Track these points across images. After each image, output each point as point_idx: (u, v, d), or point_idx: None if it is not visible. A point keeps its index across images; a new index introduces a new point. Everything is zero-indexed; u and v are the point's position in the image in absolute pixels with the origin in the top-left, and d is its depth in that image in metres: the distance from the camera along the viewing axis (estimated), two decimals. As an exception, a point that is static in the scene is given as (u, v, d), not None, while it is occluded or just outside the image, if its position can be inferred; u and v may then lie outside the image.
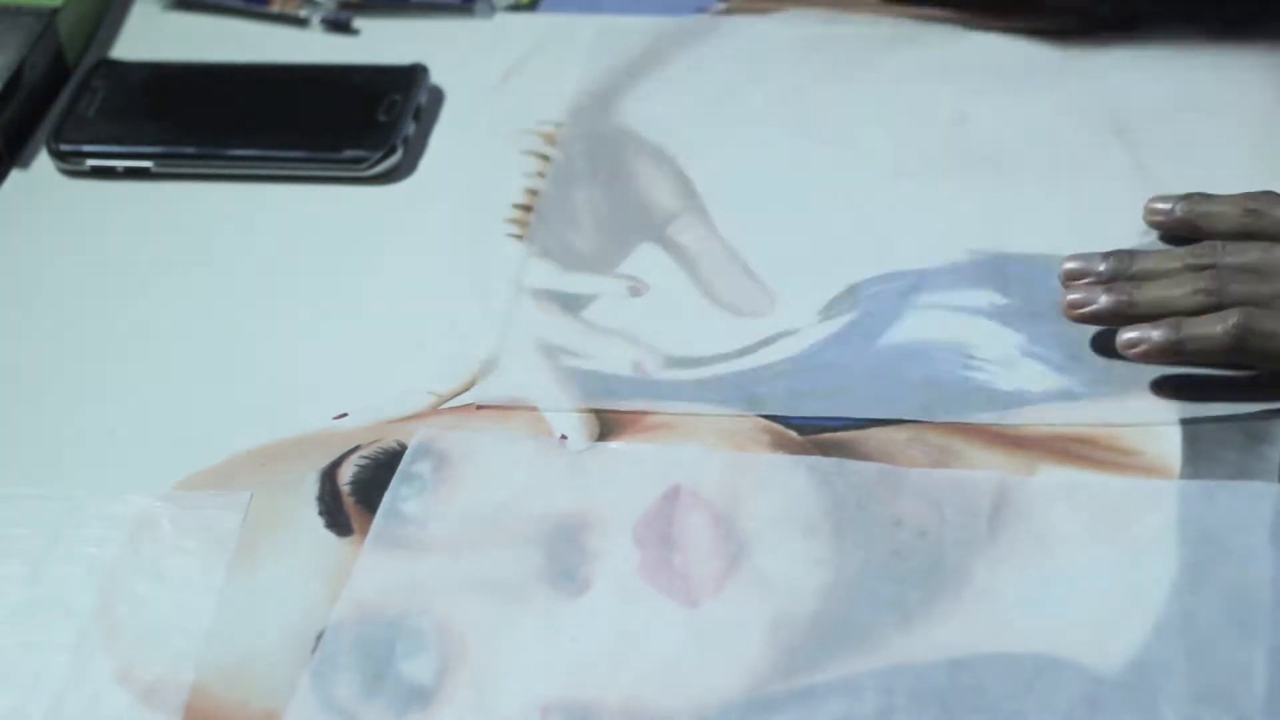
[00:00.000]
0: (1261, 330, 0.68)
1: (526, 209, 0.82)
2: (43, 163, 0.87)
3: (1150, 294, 0.71)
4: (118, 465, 0.71)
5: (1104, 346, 0.72)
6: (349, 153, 0.84)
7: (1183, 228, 0.75)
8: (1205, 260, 0.71)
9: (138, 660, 0.64)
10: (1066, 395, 0.70)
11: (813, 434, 0.69)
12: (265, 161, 0.85)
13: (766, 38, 0.90)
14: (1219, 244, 0.72)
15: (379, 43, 0.93)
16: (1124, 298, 0.71)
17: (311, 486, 0.69)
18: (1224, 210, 0.74)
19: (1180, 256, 0.72)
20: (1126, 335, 0.70)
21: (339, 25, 0.93)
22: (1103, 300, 0.71)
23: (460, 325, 0.76)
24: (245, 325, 0.78)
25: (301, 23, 0.94)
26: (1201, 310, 0.70)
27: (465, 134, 0.87)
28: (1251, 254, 0.71)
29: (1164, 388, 0.70)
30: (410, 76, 0.88)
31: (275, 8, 0.95)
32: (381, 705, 0.62)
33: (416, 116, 0.87)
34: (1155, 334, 0.69)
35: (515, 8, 0.93)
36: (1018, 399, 0.70)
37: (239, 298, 0.79)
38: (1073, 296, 0.72)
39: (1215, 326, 0.68)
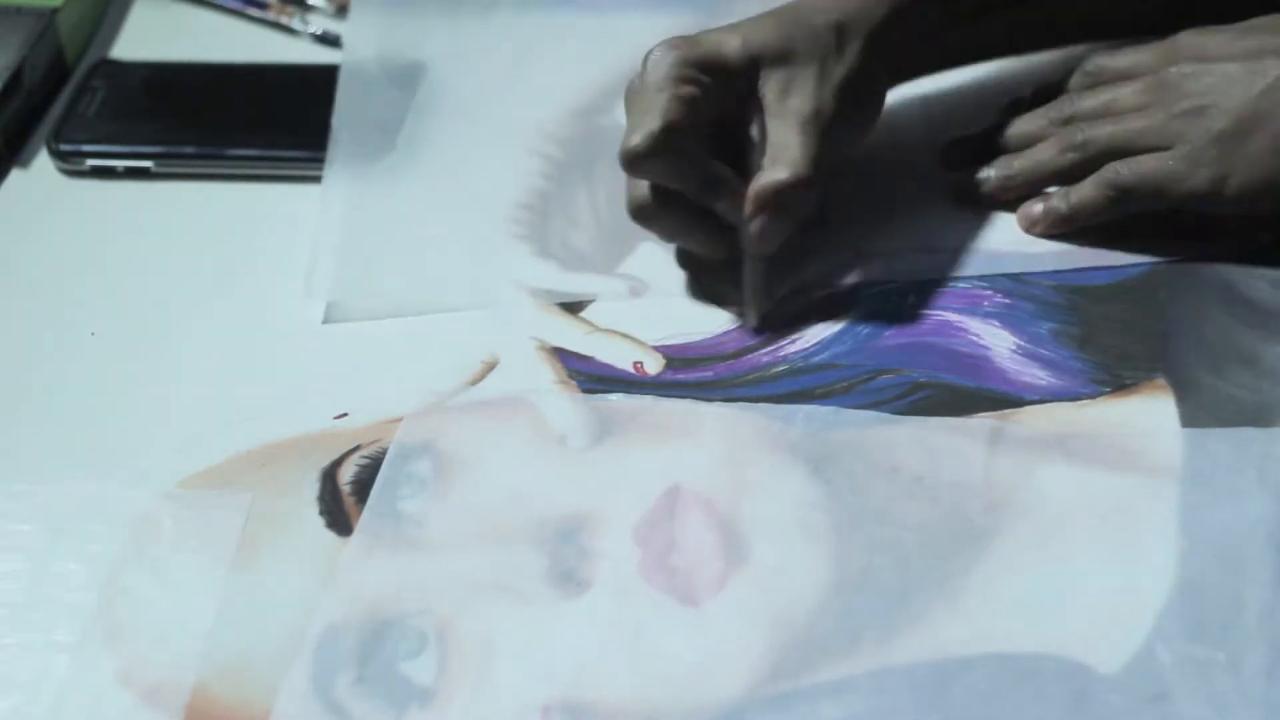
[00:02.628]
0: (1126, 182, 0.74)
1: (527, 209, 0.82)
2: (43, 163, 0.87)
3: (1024, 163, 0.78)
4: (119, 465, 0.71)
5: (1105, 346, 0.72)
6: (349, 152, 0.85)
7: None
8: (1064, 113, 0.78)
9: (139, 660, 0.64)
10: (1066, 395, 0.70)
11: (813, 433, 0.69)
12: (265, 161, 0.85)
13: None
14: (1070, 95, 0.78)
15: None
16: (1004, 171, 0.78)
17: (312, 486, 0.69)
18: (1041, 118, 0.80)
19: (1043, 115, 0.79)
20: (1025, 214, 0.77)
21: (328, 40, 0.93)
22: (990, 175, 0.78)
23: (460, 325, 0.76)
24: (245, 325, 0.78)
25: (292, 33, 0.94)
26: (1076, 166, 0.76)
27: (466, 134, 0.87)
28: (1102, 96, 0.77)
29: (1165, 387, 0.70)
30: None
31: (271, 15, 0.95)
32: (381, 705, 0.62)
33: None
34: (1039, 209, 0.77)
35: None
36: (1017, 399, 0.70)
37: (239, 297, 0.79)
38: (961, 183, 0.80)
39: (1091, 192, 0.75)
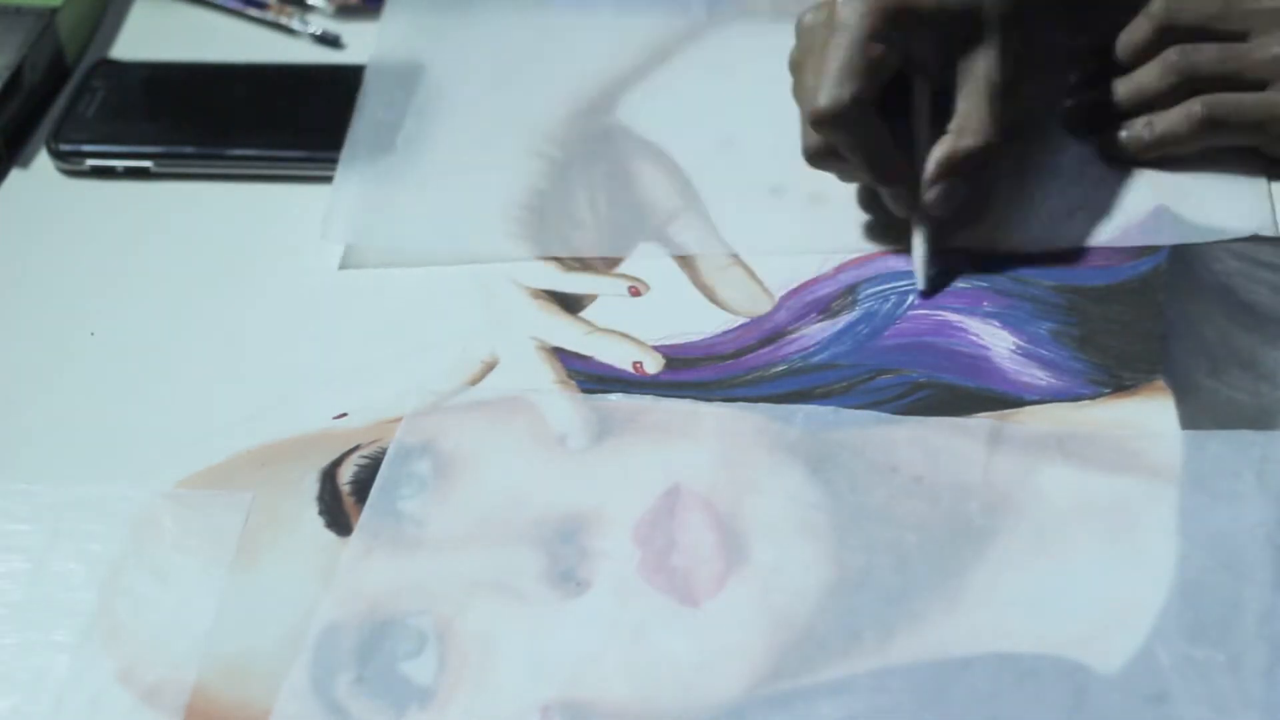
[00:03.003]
0: (1223, 113, 0.76)
1: (527, 208, 0.82)
2: (43, 162, 0.87)
3: (1126, 86, 0.79)
4: (119, 464, 0.71)
5: (1104, 347, 0.72)
6: (349, 152, 0.85)
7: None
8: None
9: (139, 660, 0.64)
10: (1066, 396, 0.70)
11: (813, 433, 0.69)
12: (265, 161, 0.85)
13: (766, 37, 0.90)
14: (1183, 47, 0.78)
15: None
16: (1105, 96, 0.79)
17: (312, 486, 0.69)
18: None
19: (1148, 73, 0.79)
20: (1107, 140, 0.79)
21: (327, 41, 0.93)
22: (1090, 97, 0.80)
23: (460, 325, 0.76)
24: (245, 325, 0.78)
25: (291, 33, 0.94)
26: (1174, 90, 0.77)
27: (465, 134, 0.87)
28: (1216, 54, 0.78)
29: (1164, 389, 0.70)
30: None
31: (270, 15, 0.95)
32: (381, 705, 0.62)
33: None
34: (1124, 134, 0.78)
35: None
36: (1017, 399, 0.70)
37: (239, 297, 0.79)
38: (1069, 111, 0.81)
39: (1181, 121, 0.76)
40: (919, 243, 0.75)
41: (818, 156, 0.76)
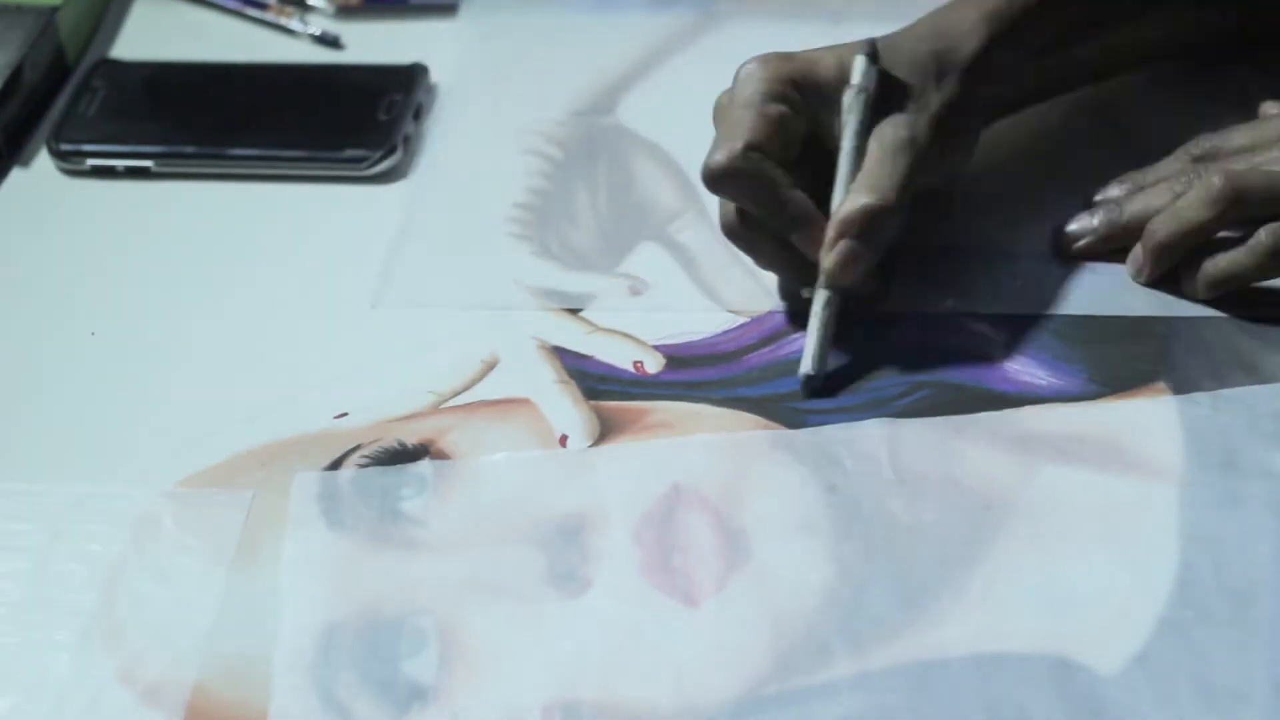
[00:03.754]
0: (1248, 182, 0.71)
1: (527, 208, 0.82)
2: (43, 162, 0.87)
3: (1136, 204, 0.74)
4: (119, 464, 0.71)
5: (1104, 347, 0.72)
6: (349, 152, 0.85)
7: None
8: (1197, 151, 0.75)
9: (139, 659, 0.64)
10: (1066, 395, 0.70)
11: (813, 433, 0.69)
12: (265, 161, 0.85)
13: (766, 37, 0.90)
14: (1195, 165, 0.74)
15: (377, 41, 0.93)
16: (1112, 215, 0.74)
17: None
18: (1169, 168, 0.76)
19: (1168, 190, 0.74)
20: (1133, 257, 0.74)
21: (326, 41, 0.93)
22: (1095, 222, 0.75)
23: (460, 325, 0.76)
24: (245, 324, 0.78)
25: (291, 33, 0.94)
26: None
27: (465, 133, 0.87)
28: (1241, 137, 0.74)
29: (1165, 390, 0.70)
30: (410, 76, 0.89)
31: (270, 15, 0.95)
32: (381, 705, 0.62)
33: (416, 116, 0.87)
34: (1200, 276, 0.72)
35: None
36: (1017, 399, 0.70)
37: (239, 297, 0.79)
38: (1068, 228, 0.75)
39: (1202, 196, 0.71)
40: (816, 316, 0.71)
41: (727, 229, 0.73)
